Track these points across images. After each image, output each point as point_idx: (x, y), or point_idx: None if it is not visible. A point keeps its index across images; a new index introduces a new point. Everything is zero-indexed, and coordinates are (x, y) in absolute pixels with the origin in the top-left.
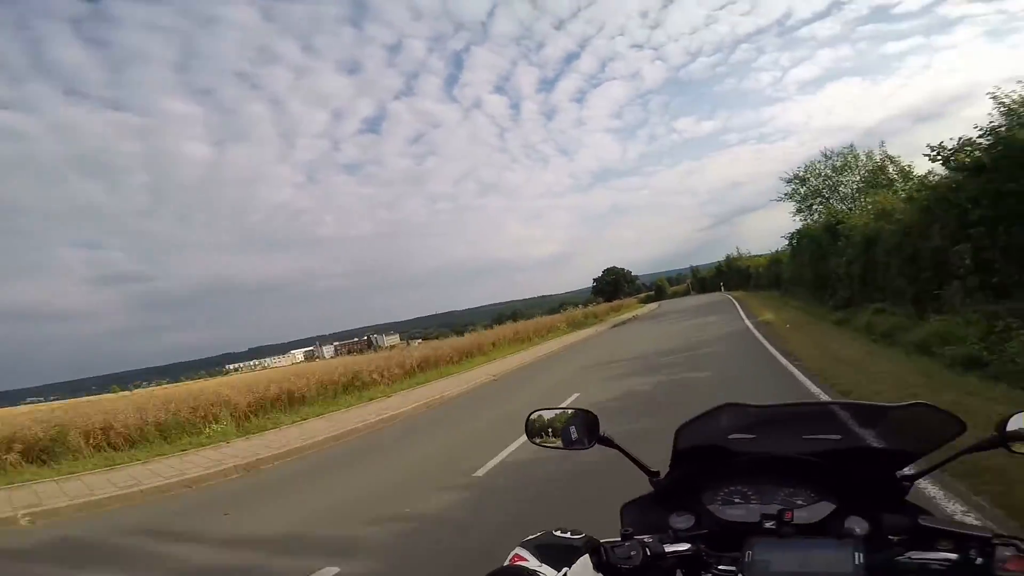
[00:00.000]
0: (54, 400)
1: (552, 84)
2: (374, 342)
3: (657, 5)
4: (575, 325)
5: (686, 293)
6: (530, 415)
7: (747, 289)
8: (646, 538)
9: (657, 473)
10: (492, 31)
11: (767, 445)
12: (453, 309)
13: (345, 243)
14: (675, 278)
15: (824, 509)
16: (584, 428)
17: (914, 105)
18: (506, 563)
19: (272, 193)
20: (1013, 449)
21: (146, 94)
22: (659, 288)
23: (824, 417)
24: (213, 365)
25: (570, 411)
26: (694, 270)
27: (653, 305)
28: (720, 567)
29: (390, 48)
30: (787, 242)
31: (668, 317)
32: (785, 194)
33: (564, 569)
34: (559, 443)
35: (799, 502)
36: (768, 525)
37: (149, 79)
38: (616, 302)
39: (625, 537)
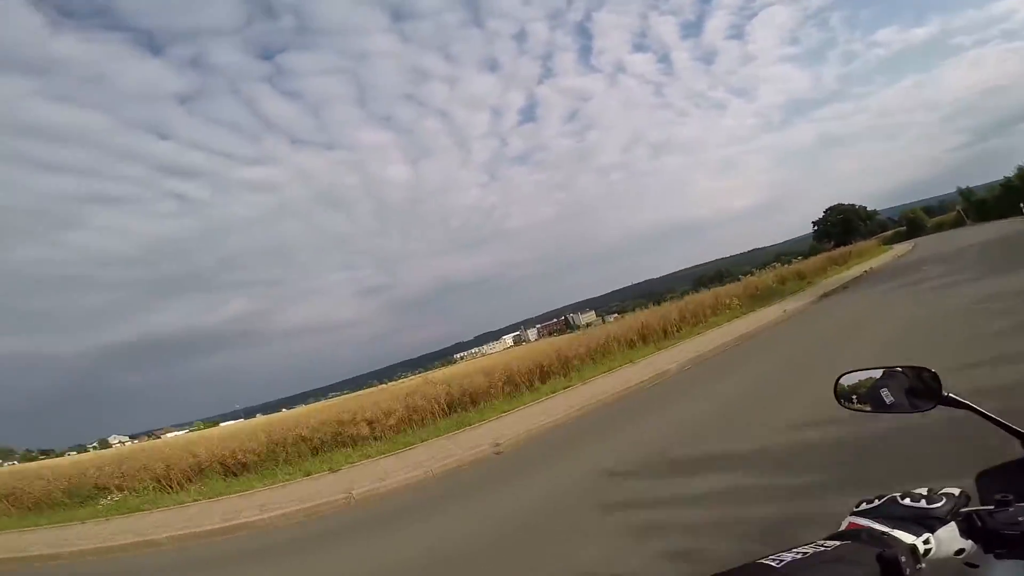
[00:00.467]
0: (336, 396)
1: (697, 27)
2: (571, 322)
3: None
4: (759, 298)
5: (957, 224)
6: (840, 377)
7: None
8: None
9: None
10: None
11: None
12: (650, 277)
13: (533, 230)
14: (935, 208)
15: None
16: (921, 385)
17: None
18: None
19: (463, 197)
20: None
21: (345, 130)
22: (912, 222)
23: None
24: (449, 354)
25: (898, 369)
26: (965, 192)
27: (903, 247)
28: None
29: (516, 37)
30: None
31: (929, 272)
32: None
33: (926, 534)
34: (883, 405)
35: None
36: None
37: (342, 117)
38: (843, 249)
39: (1001, 503)
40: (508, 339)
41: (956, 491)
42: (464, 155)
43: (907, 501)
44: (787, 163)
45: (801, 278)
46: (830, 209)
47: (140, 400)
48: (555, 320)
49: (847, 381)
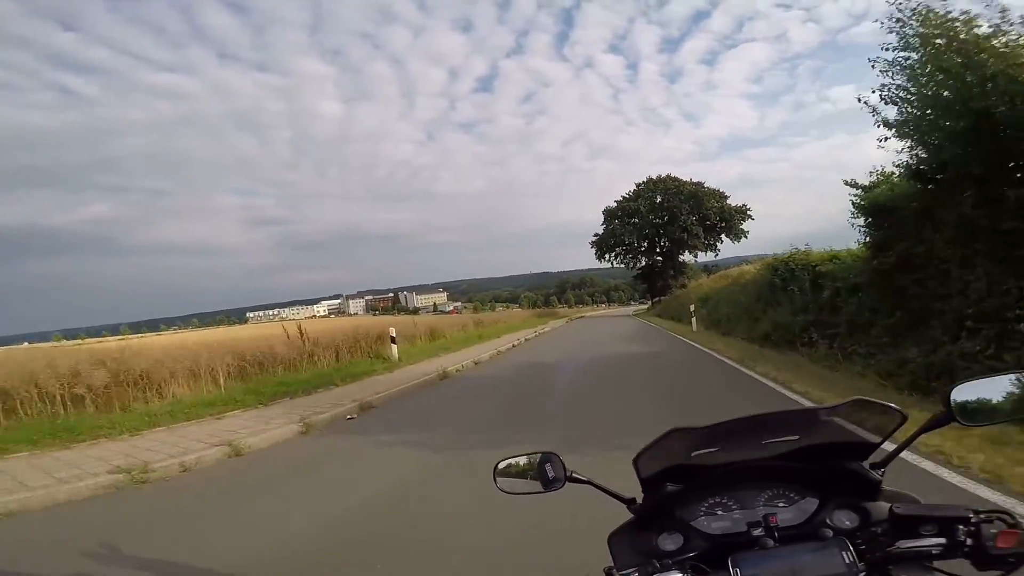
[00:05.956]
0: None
1: (676, 44)
2: (402, 300)
3: None
4: None
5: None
6: (498, 464)
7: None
8: (631, 572)
9: (633, 500)
10: None
11: (731, 455)
12: (548, 270)
13: (460, 199)
14: None
15: (808, 507)
16: (558, 467)
17: None
18: None
19: (394, 149)
20: (962, 421)
21: (285, 56)
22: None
23: (777, 422)
24: (326, 299)
25: (539, 455)
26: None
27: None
28: None
29: (500, 4)
30: None
31: None
32: None
33: None
34: (538, 486)
35: (781, 504)
36: (756, 532)
37: (287, 41)
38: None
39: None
40: (322, 308)
41: None
42: (407, 108)
43: None
44: None
45: None
46: (645, 184)
47: None
48: (391, 295)
49: (502, 465)
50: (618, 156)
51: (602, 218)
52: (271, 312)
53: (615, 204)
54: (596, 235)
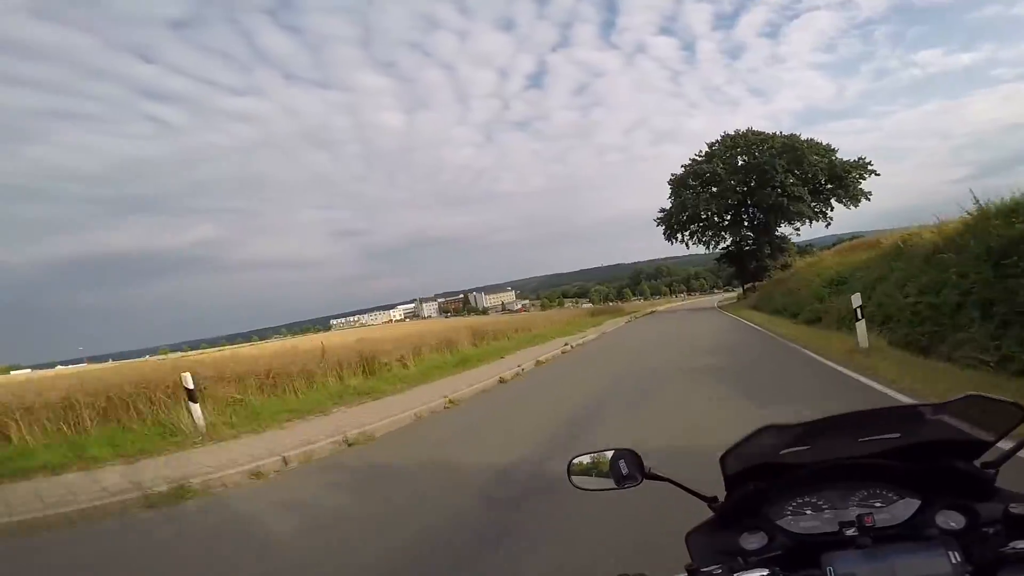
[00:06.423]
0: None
1: (732, 20)
2: (472, 301)
3: None
4: None
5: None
6: (572, 459)
7: None
8: (715, 569)
9: (715, 498)
10: None
11: (824, 453)
12: (621, 262)
13: (522, 198)
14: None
15: (908, 507)
16: (634, 465)
17: None
18: None
19: (455, 154)
20: None
21: (343, 71)
22: None
23: (876, 419)
24: (402, 304)
25: (612, 451)
26: None
27: None
28: None
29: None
30: None
31: None
32: None
33: None
34: (610, 483)
35: (877, 504)
36: (850, 533)
37: (342, 57)
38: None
39: (692, 572)
40: (397, 312)
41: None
42: (463, 112)
43: None
44: None
45: None
46: (720, 142)
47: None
48: (461, 296)
49: (576, 462)
50: (685, 139)
51: (668, 192)
52: (352, 318)
53: (682, 169)
54: (662, 211)
